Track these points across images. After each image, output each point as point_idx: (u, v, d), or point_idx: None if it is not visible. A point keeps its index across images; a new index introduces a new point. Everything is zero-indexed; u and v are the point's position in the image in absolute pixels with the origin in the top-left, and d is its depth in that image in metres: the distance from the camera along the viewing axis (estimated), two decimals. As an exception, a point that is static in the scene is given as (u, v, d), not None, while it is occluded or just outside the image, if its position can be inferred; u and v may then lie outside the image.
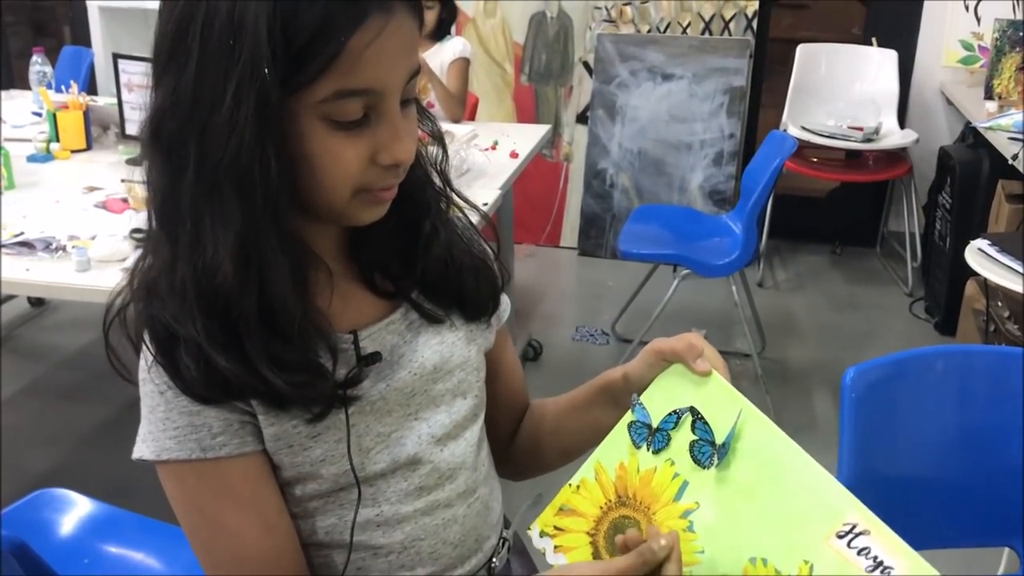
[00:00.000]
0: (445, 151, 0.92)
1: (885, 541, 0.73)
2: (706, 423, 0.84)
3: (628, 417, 0.89)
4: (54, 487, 1.64)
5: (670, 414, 0.86)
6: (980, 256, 2.29)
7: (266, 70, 0.71)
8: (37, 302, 3.60)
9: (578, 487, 0.90)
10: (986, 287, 2.80)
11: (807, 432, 2.86)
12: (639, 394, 0.89)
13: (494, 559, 0.98)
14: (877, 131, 3.85)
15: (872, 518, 0.75)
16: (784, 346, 3.42)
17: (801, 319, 3.71)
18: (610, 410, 0.94)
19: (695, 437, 0.84)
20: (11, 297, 3.47)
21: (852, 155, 4.05)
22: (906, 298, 3.84)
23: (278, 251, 0.76)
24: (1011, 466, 1.40)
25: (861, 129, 3.80)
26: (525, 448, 1.08)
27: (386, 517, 0.89)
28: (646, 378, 0.90)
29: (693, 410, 0.85)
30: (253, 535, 0.82)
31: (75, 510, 1.60)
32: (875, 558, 0.73)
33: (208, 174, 0.73)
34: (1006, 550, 1.77)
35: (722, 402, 0.84)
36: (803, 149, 3.96)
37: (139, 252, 0.82)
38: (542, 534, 0.90)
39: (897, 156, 3.98)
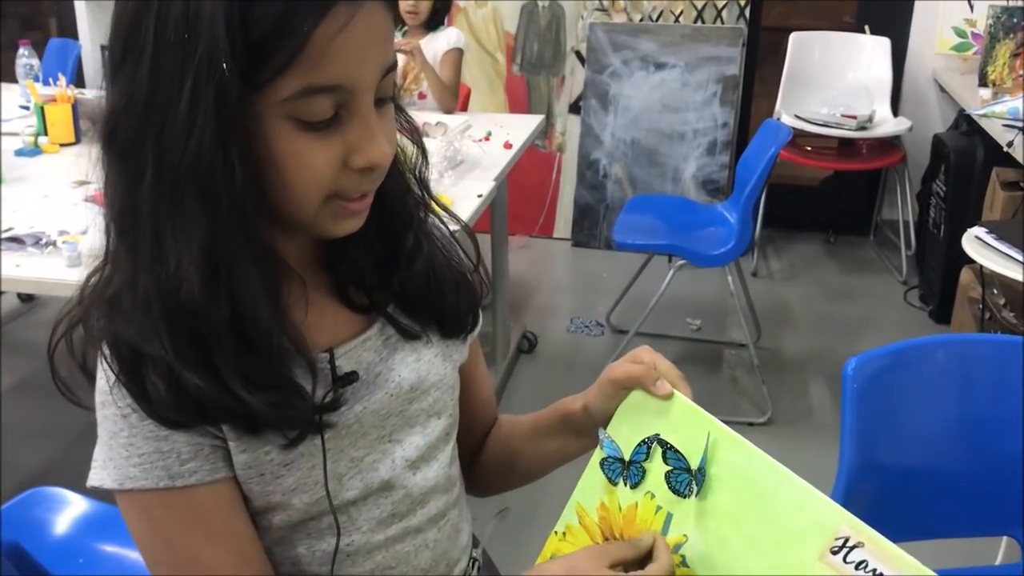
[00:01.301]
0: (424, 153, 0.87)
1: (880, 552, 0.70)
2: (676, 451, 0.81)
3: (599, 454, 0.86)
4: (47, 485, 1.62)
5: (640, 444, 0.83)
6: (977, 244, 2.28)
7: (224, 65, 0.65)
8: (27, 298, 3.57)
9: (564, 534, 0.87)
10: (982, 275, 2.79)
11: (803, 421, 2.86)
12: (604, 427, 0.86)
13: None
14: (870, 119, 3.84)
15: (863, 528, 0.72)
16: (779, 336, 3.42)
17: (796, 308, 3.71)
18: (573, 440, 0.92)
19: (669, 467, 0.81)
20: (0, 293, 3.44)
21: (845, 143, 4.04)
22: (900, 286, 3.84)
23: (249, 261, 0.70)
24: (1012, 456, 1.40)
25: (854, 117, 3.79)
26: (489, 465, 1.04)
27: (356, 547, 0.84)
28: (607, 409, 0.87)
29: (660, 440, 0.82)
30: (227, 568, 0.76)
31: (69, 509, 1.58)
32: (874, 571, 0.70)
33: (167, 180, 0.68)
34: (1004, 539, 1.77)
35: (690, 424, 0.81)
36: (796, 138, 3.94)
37: (93, 268, 0.76)
38: None
39: (890, 144, 3.98)
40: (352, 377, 0.81)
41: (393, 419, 0.85)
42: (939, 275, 3.44)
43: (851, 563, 0.71)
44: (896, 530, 1.43)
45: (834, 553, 0.71)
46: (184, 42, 0.66)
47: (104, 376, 0.74)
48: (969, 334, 2.83)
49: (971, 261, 2.35)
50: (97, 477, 0.76)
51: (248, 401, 0.71)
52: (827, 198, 4.42)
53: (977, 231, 2.31)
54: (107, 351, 0.73)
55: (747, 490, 0.77)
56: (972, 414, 1.43)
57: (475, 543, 1.00)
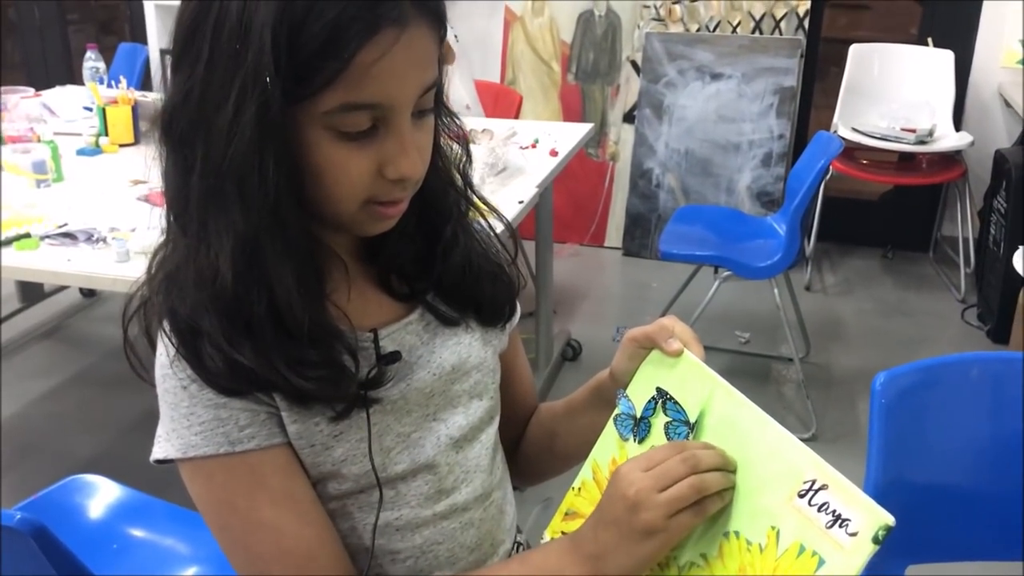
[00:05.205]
0: (468, 153, 0.92)
1: (841, 493, 0.73)
2: (676, 403, 0.84)
3: (615, 411, 0.89)
4: (98, 473, 1.66)
5: (649, 401, 0.86)
6: (1029, 262, 2.22)
7: (268, 79, 0.70)
8: (89, 293, 3.68)
9: (579, 489, 0.91)
10: (1039, 294, 2.71)
11: (848, 438, 2.81)
12: (624, 388, 0.90)
13: None
14: (931, 133, 3.76)
15: (829, 471, 0.74)
16: (829, 351, 3.36)
17: (848, 324, 3.64)
18: (604, 411, 0.93)
19: (668, 419, 0.84)
20: (63, 288, 3.56)
21: (905, 158, 3.96)
22: (958, 304, 3.75)
23: (283, 256, 0.75)
24: (1047, 478, 1.35)
25: (914, 131, 3.72)
26: (530, 451, 1.07)
27: (405, 521, 0.88)
28: (629, 371, 0.90)
29: (660, 391, 0.85)
30: (291, 527, 0.80)
31: (105, 496, 1.63)
32: (833, 512, 0.72)
33: (211, 176, 0.73)
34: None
35: (694, 380, 0.84)
36: (854, 151, 3.89)
37: (158, 244, 0.82)
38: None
39: (951, 159, 3.89)
40: (395, 356, 0.85)
41: (437, 398, 0.89)
42: (998, 294, 3.35)
43: (815, 505, 0.73)
44: (924, 550, 1.39)
45: (801, 496, 0.74)
46: (235, 52, 0.71)
47: (164, 350, 0.79)
48: (1006, 352, 2.75)
49: (1026, 280, 2.29)
50: (161, 450, 0.80)
51: (292, 379, 0.76)
52: (885, 213, 4.34)
53: (1030, 249, 2.25)
54: (167, 326, 0.78)
55: (733, 439, 0.80)
56: (1007, 435, 1.38)
57: (518, 531, 1.03)
